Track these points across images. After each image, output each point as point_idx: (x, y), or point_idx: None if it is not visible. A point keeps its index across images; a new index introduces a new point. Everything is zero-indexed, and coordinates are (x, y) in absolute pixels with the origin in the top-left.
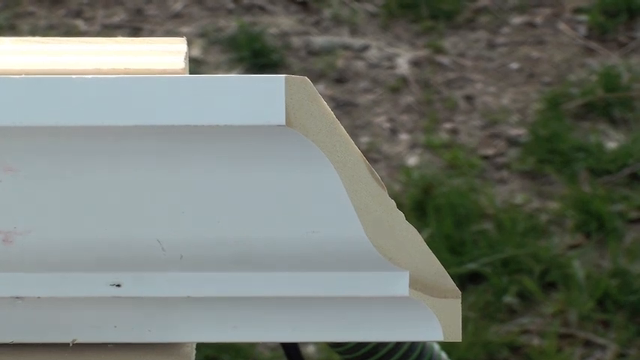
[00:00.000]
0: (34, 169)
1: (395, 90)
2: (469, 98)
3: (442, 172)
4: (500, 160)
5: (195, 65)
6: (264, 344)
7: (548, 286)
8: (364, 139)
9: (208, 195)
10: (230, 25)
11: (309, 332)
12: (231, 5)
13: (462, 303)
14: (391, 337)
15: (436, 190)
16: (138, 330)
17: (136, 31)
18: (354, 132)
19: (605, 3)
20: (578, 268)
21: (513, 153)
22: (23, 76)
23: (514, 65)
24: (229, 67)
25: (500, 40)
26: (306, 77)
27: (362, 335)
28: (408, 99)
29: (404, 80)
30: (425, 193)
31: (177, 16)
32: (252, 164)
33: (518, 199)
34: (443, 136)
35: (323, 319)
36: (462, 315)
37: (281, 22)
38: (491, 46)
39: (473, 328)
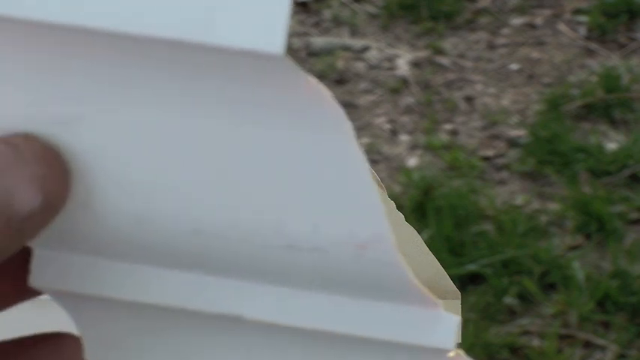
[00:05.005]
0: None
1: (395, 91)
2: (469, 99)
3: (442, 174)
4: (501, 161)
5: None
6: None
7: (549, 287)
8: (364, 140)
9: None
10: None
11: None
12: None
13: (461, 304)
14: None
15: (436, 192)
16: None
17: None
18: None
19: (605, 4)
20: (579, 270)
21: (513, 154)
22: None
23: (514, 66)
24: None
25: (500, 41)
26: None
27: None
28: (408, 100)
29: (404, 81)
30: (425, 195)
31: None
32: None
33: (519, 200)
34: (443, 137)
35: None
36: (462, 316)
37: None
38: (491, 47)
39: (473, 329)
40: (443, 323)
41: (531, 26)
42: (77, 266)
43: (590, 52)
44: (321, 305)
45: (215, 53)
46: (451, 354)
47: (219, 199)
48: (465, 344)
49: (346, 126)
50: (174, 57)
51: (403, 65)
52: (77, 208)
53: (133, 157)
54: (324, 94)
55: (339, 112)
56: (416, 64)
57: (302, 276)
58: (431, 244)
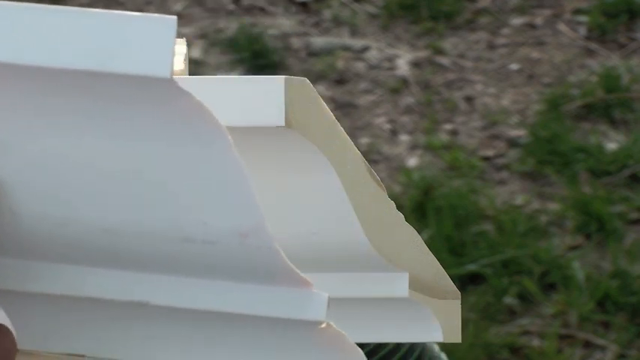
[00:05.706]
0: None
1: (395, 91)
2: (469, 99)
3: (442, 174)
4: (501, 161)
5: (196, 66)
6: None
7: (549, 287)
8: (364, 140)
9: None
10: (230, 27)
11: None
12: (231, 6)
13: (462, 304)
14: (391, 339)
15: (436, 192)
16: None
17: None
18: (354, 133)
19: (605, 4)
20: (578, 269)
21: (513, 154)
22: None
23: (514, 66)
24: (229, 68)
25: (501, 41)
26: (305, 78)
27: (361, 336)
28: (408, 100)
29: (404, 81)
30: (425, 195)
31: (177, 17)
32: (250, 165)
33: (519, 200)
34: (443, 137)
35: None
36: (462, 316)
37: (281, 24)
38: (491, 47)
39: (473, 329)
40: (315, 300)
41: (531, 26)
42: (6, 266)
43: (590, 52)
44: (214, 290)
45: (113, 79)
46: (322, 325)
47: (123, 203)
48: (465, 344)
49: (225, 136)
50: (80, 85)
51: (403, 65)
52: (6, 217)
53: (53, 173)
54: (206, 110)
55: (218, 124)
56: (416, 64)
57: (197, 265)
58: (431, 244)
